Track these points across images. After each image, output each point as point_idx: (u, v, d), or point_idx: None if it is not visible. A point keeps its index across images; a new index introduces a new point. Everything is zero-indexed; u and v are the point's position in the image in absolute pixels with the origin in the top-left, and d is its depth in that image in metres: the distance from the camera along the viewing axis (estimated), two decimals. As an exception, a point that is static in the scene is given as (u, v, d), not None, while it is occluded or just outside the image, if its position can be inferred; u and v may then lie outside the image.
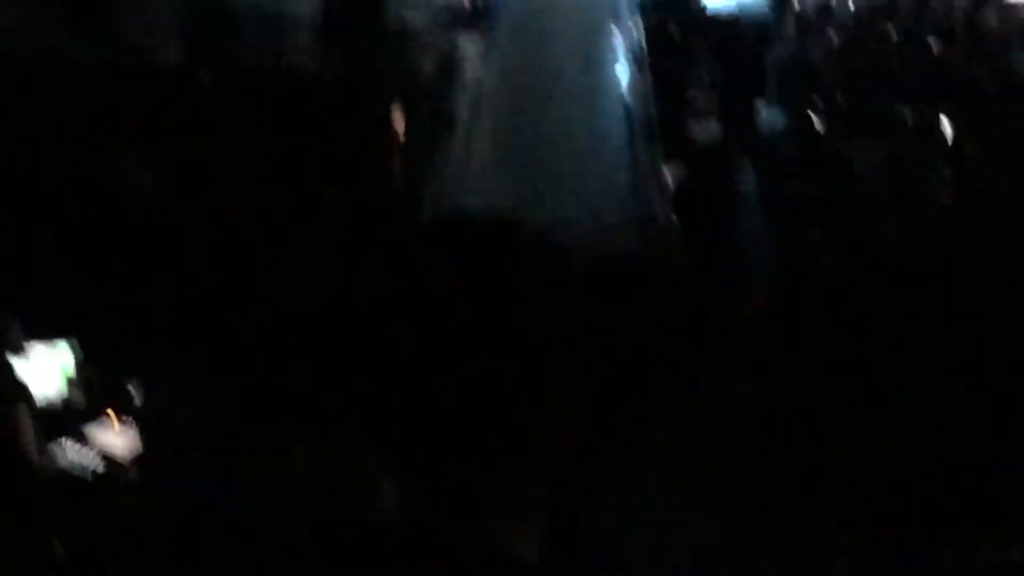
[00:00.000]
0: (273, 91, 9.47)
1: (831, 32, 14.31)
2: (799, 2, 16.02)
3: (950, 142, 11.02)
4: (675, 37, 14.03)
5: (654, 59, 12.87)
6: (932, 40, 14.09)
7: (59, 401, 6.39)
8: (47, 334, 6.37)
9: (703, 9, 15.88)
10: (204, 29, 9.58)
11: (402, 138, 9.72)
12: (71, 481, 6.20)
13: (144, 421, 6.50)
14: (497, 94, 11.72)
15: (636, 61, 12.59)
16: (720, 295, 9.86)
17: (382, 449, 1.48)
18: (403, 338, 1.44)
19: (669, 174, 10.69)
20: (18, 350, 6.02)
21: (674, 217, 9.91)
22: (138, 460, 6.32)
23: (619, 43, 13.33)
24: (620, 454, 7.11)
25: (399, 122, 9.66)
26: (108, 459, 6.29)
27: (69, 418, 6.40)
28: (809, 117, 12.71)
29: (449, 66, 11.62)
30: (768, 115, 13.48)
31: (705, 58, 14.54)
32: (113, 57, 9.79)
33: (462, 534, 1.43)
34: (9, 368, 5.85)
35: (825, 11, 15.48)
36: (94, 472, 6.23)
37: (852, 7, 15.93)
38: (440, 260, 1.48)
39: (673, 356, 8.28)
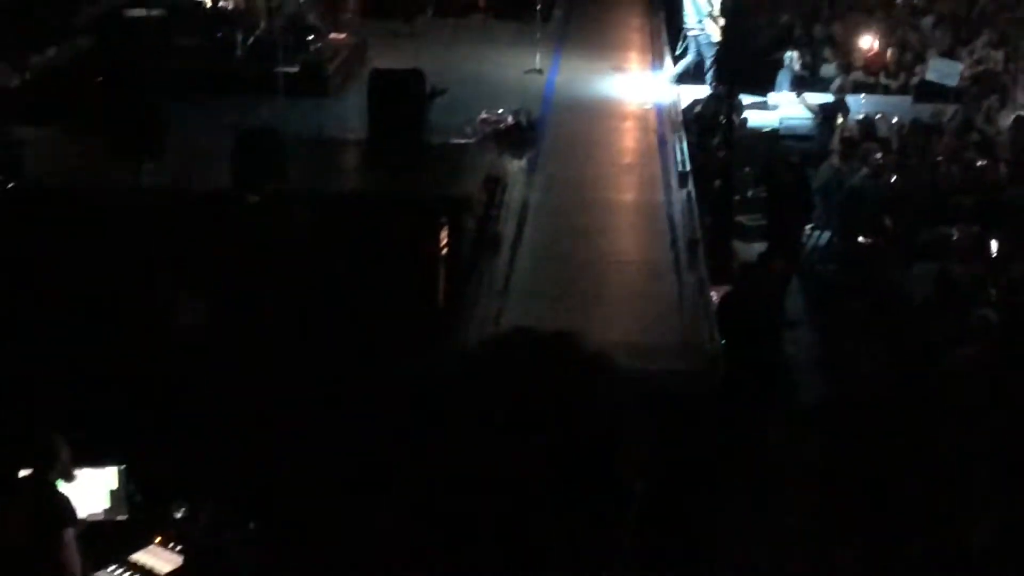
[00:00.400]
0: (322, 210, 9.52)
1: (875, 152, 14.24)
2: (842, 120, 15.99)
3: (997, 261, 11.02)
4: (719, 156, 14.05)
5: (698, 178, 12.88)
6: (977, 159, 14.11)
7: (105, 521, 6.43)
8: (97, 462, 6.41)
9: (745, 127, 15.90)
10: (252, 155, 9.66)
11: (448, 256, 9.73)
12: None
13: (188, 545, 6.52)
14: (542, 213, 11.72)
15: (680, 180, 12.59)
16: (764, 413, 9.82)
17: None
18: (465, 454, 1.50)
19: (714, 295, 10.63)
20: (68, 476, 6.07)
21: (719, 338, 9.81)
22: None
23: (664, 165, 13.35)
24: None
25: (445, 240, 9.68)
26: None
27: (117, 538, 6.46)
28: (855, 239, 12.73)
29: (494, 185, 11.63)
30: (814, 236, 13.51)
31: (750, 178, 14.59)
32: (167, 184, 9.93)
33: None
34: (57, 493, 5.89)
35: (869, 128, 15.38)
36: None
37: (895, 127, 15.83)
38: (499, 377, 1.54)
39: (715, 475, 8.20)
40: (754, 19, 19.34)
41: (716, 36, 17.38)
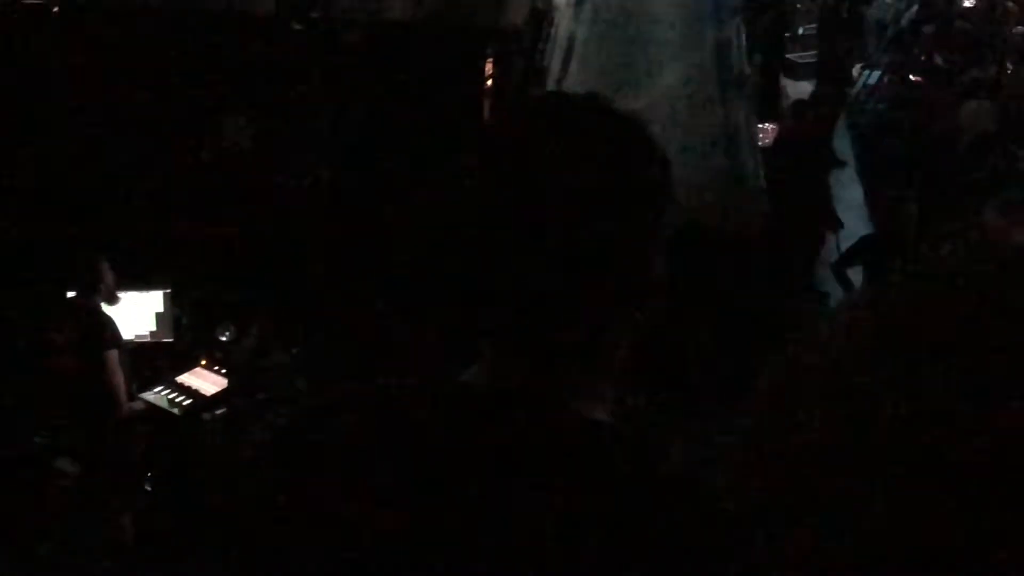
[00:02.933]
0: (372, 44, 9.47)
1: None
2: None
3: None
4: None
5: (749, 11, 12.69)
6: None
7: (152, 343, 6.59)
8: (143, 285, 6.52)
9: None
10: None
11: (493, 89, 9.70)
12: (160, 416, 6.46)
13: (232, 368, 6.64)
14: (589, 50, 11.58)
15: (730, 14, 12.40)
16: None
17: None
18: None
19: (761, 132, 10.57)
20: (112, 299, 6.22)
21: (763, 176, 9.76)
22: (221, 400, 6.48)
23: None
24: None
25: (492, 71, 9.63)
26: (196, 398, 6.51)
27: (163, 360, 6.61)
28: (906, 78, 12.57)
29: (541, 17, 11.51)
30: (864, 75, 13.41)
31: (803, 14, 14.39)
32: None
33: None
34: (104, 317, 6.02)
35: None
36: (182, 409, 6.48)
37: None
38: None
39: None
40: None
41: None
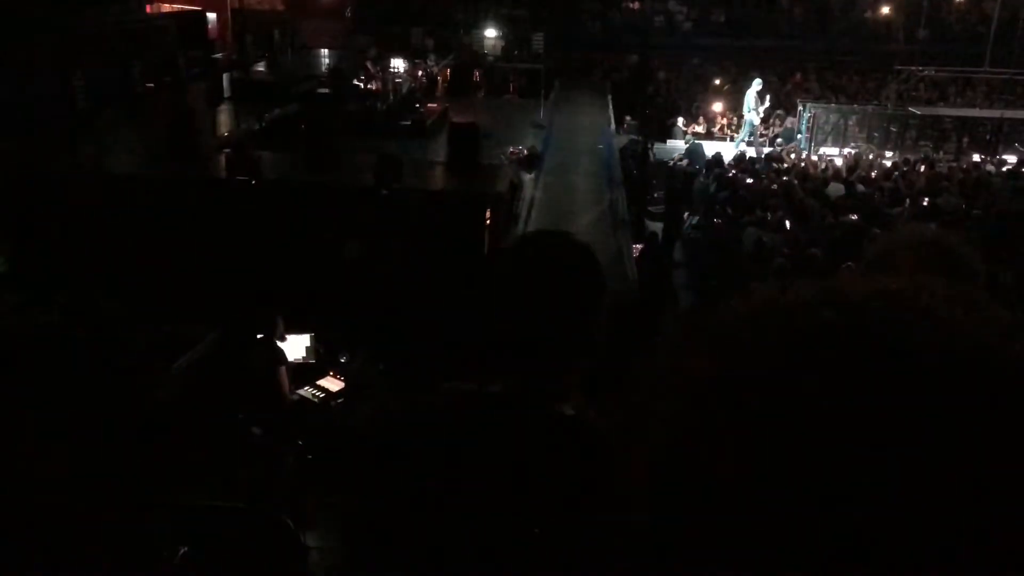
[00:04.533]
0: (424, 202, 9.69)
1: (724, 172, 14.33)
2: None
3: (789, 234, 11.04)
4: (638, 173, 14.22)
5: (627, 185, 13.06)
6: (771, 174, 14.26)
7: (302, 363, 6.52)
8: (299, 330, 6.49)
9: (654, 157, 16.08)
10: (385, 168, 9.86)
11: (491, 225, 9.91)
12: (308, 404, 6.31)
13: (346, 376, 6.59)
14: (541, 203, 11.91)
15: (617, 186, 12.78)
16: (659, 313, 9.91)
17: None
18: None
19: (635, 248, 10.79)
20: (282, 339, 6.15)
21: (635, 270, 9.98)
22: (341, 395, 6.42)
23: (608, 177, 13.53)
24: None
25: (489, 217, 9.87)
26: (327, 393, 6.41)
27: (308, 373, 6.51)
28: (712, 219, 12.82)
29: (515, 187, 11.82)
30: (689, 218, 13.68)
31: (656, 185, 14.73)
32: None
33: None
34: (278, 348, 5.99)
35: (719, 159, 15.37)
36: (319, 399, 6.35)
37: (732, 159, 16.03)
38: (527, 256, 1.48)
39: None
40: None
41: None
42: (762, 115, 18.86)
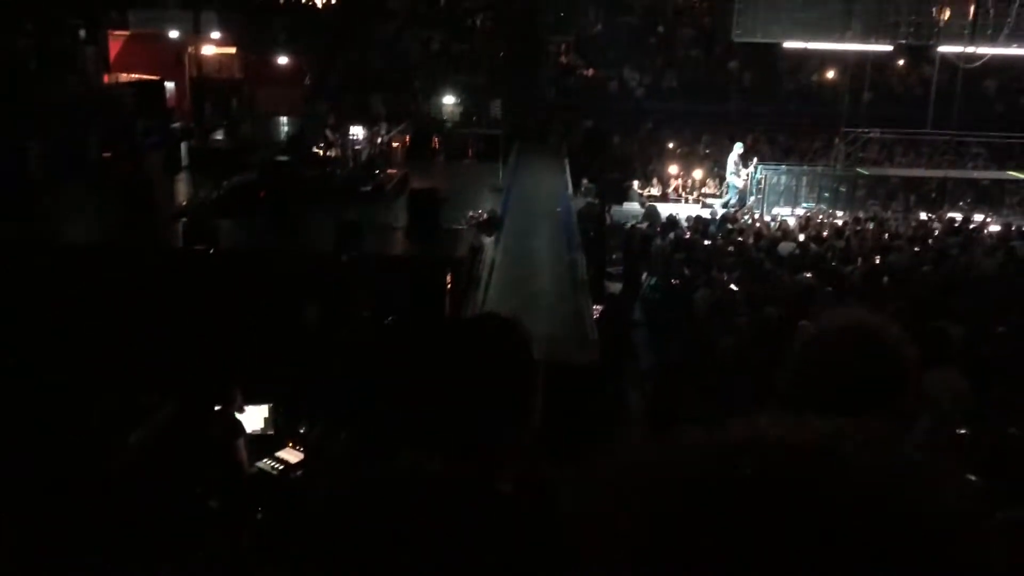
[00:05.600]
0: (385, 268, 9.73)
1: (681, 233, 14.56)
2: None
3: (739, 293, 11.18)
4: (596, 235, 14.41)
5: (585, 247, 13.20)
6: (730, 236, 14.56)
7: (261, 435, 6.43)
8: (257, 401, 6.41)
9: (611, 219, 16.30)
10: (345, 234, 9.90)
11: (452, 289, 9.97)
12: (265, 476, 6.22)
13: (306, 447, 6.51)
14: (502, 266, 11.99)
15: (576, 248, 12.94)
16: (619, 371, 9.93)
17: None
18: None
19: (595, 309, 10.87)
20: (241, 410, 6.08)
21: (596, 334, 10.07)
22: (300, 467, 6.33)
23: (567, 239, 13.70)
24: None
25: (450, 280, 9.94)
26: (286, 465, 6.32)
27: (266, 444, 6.42)
28: (669, 280, 13.00)
29: (476, 251, 11.92)
30: (647, 278, 13.85)
31: (614, 247, 14.92)
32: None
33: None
34: (236, 420, 5.91)
35: (674, 221, 15.44)
36: (277, 471, 6.26)
37: (689, 222, 15.90)
38: (474, 338, 1.55)
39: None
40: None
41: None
42: (744, 178, 19.02)
